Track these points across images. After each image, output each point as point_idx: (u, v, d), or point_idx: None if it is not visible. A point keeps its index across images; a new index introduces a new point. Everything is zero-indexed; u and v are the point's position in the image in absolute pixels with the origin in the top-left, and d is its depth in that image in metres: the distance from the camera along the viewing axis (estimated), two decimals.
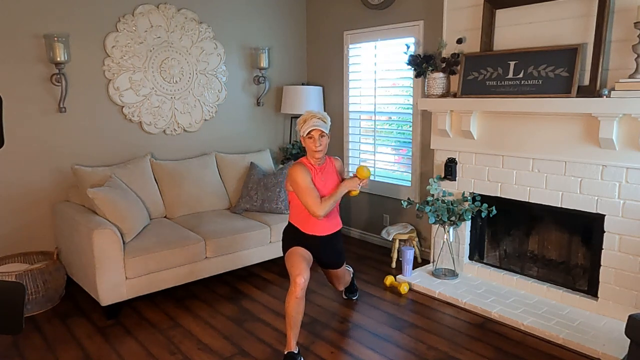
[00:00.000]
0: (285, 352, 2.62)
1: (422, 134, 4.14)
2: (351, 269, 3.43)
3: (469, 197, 3.60)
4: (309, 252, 2.88)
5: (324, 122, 2.77)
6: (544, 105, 2.99)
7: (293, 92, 4.73)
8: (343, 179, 2.94)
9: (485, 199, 3.53)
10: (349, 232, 4.96)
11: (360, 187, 2.90)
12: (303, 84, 5.03)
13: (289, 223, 2.96)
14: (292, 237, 2.92)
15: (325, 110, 4.94)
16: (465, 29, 3.52)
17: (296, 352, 2.62)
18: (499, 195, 3.46)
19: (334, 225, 2.95)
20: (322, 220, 2.84)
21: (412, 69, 3.74)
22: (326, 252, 2.97)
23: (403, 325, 3.10)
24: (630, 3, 2.75)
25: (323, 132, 2.75)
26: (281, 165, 4.65)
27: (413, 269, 3.80)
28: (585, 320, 3.00)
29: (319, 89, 4.88)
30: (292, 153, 4.83)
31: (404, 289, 3.55)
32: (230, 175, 4.29)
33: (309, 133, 2.75)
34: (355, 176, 2.89)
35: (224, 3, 4.47)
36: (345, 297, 3.45)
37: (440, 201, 3.58)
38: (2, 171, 3.51)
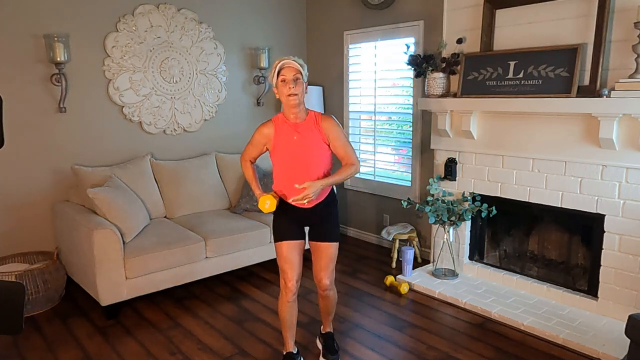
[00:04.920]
0: (285, 353, 2.61)
1: (422, 134, 4.13)
2: (336, 296, 2.73)
3: (469, 197, 3.60)
4: (299, 243, 2.53)
5: (299, 64, 2.31)
6: (544, 105, 2.99)
7: None
8: (334, 142, 2.42)
9: (485, 199, 3.53)
10: (349, 231, 4.96)
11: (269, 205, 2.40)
12: None
13: (273, 191, 2.55)
14: (280, 213, 2.52)
15: (325, 111, 4.94)
16: (465, 29, 3.52)
17: (295, 352, 2.61)
18: (499, 195, 3.46)
19: (319, 195, 2.45)
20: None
21: (412, 69, 3.74)
22: (314, 220, 2.52)
23: (403, 325, 3.10)
24: (630, 3, 2.75)
25: (297, 73, 2.27)
26: None
27: (413, 269, 3.80)
28: (585, 320, 3.00)
29: (319, 89, 4.87)
30: None
31: (404, 289, 3.55)
32: (230, 175, 4.29)
33: (279, 73, 2.27)
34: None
35: (224, 3, 4.47)
36: (323, 358, 2.72)
37: (440, 201, 3.58)
38: (2, 171, 3.51)
